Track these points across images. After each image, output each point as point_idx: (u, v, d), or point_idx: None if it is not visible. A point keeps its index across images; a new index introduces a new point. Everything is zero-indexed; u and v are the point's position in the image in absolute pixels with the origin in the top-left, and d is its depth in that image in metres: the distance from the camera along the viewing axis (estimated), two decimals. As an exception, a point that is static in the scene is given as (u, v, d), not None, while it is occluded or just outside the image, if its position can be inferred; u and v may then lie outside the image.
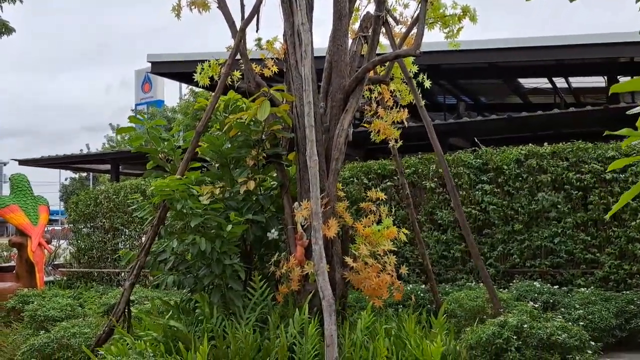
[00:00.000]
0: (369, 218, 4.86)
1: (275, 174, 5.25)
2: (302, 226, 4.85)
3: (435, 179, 8.37)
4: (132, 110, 38.70)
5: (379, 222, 4.93)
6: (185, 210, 4.37)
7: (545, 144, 7.99)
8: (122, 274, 11.13)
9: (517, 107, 14.39)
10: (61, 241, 15.00)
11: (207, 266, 4.49)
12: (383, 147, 7.15)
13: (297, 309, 4.36)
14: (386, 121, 5.46)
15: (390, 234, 4.76)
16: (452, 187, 5.01)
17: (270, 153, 5.03)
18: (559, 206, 7.60)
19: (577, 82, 13.74)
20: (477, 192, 8.07)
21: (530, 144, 8.13)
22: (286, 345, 4.06)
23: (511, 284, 7.53)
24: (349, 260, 4.64)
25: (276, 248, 5.24)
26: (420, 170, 8.48)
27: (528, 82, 14.09)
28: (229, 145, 5.14)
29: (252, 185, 4.86)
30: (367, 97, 5.58)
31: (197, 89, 32.27)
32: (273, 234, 4.87)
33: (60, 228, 16.27)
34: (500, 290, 7.09)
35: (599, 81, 13.69)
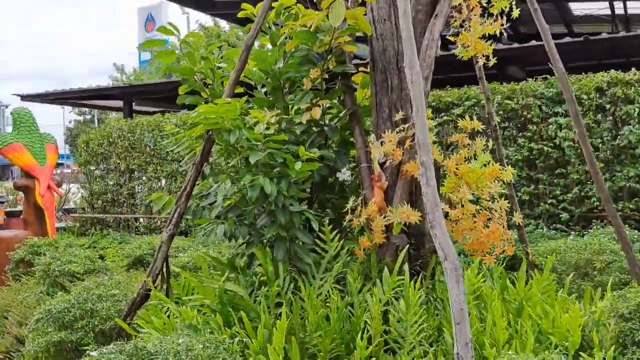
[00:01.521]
0: (460, 154, 3.84)
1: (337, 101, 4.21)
2: (381, 164, 3.87)
3: (501, 112, 7.30)
4: (137, 49, 37.18)
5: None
6: (240, 143, 3.37)
7: (633, 69, 6.86)
8: (141, 220, 10.28)
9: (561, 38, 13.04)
10: (71, 184, 14.13)
11: (269, 214, 3.53)
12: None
13: (385, 268, 3.42)
14: (476, 33, 4.35)
15: (492, 173, 3.76)
16: (577, 112, 3.97)
17: (338, 71, 3.97)
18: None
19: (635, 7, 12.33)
20: (550, 127, 7.04)
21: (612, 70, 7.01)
22: (380, 315, 3.14)
23: (589, 230, 6.60)
24: (444, 206, 3.66)
25: (341, 192, 4.26)
26: (482, 101, 7.40)
27: (580, 8, 12.71)
28: (283, 63, 4.09)
29: (317, 112, 3.84)
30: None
31: (206, 24, 30.72)
32: (345, 174, 3.88)
33: (70, 171, 15.38)
34: (580, 237, 6.17)
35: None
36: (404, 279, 3.33)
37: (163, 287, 3.91)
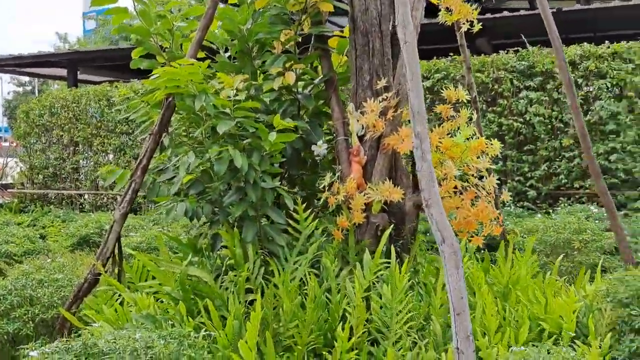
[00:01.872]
0: (443, 127, 3.57)
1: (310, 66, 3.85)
2: (359, 137, 3.55)
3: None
4: (83, 18, 35.38)
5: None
6: (205, 111, 2.98)
7: (607, 42, 6.75)
8: (87, 197, 9.68)
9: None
10: (8, 158, 13.25)
11: (237, 190, 3.17)
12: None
13: (365, 250, 3.14)
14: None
15: (478, 147, 3.50)
16: (569, 81, 3.75)
17: (315, 33, 3.60)
18: (619, 117, 6.49)
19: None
20: (521, 101, 6.87)
21: (584, 44, 6.88)
22: (362, 302, 2.86)
23: (556, 208, 6.51)
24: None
25: (313, 167, 3.94)
26: (452, 74, 7.17)
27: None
28: (251, 24, 3.69)
29: (291, 77, 3.47)
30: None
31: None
32: (321, 147, 3.54)
33: (7, 144, 14.43)
34: (547, 215, 6.06)
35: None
36: (387, 263, 3.05)
37: (115, 271, 3.51)
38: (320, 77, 3.68)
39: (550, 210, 6.54)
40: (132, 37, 4.08)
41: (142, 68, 3.90)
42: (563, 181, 6.79)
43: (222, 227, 3.37)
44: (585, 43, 6.83)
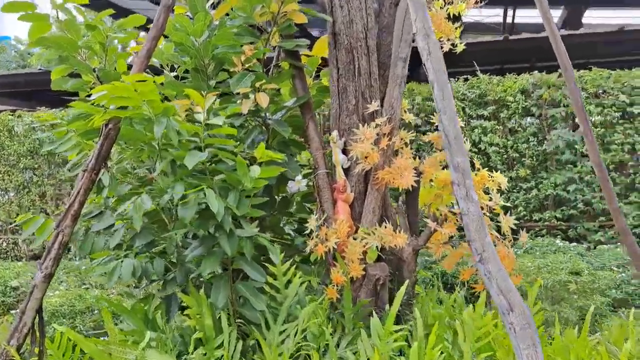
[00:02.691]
0: (435, 157, 3.11)
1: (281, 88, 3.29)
2: (345, 170, 3.02)
3: (422, 115, 6.77)
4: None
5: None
6: (159, 141, 2.32)
7: (559, 71, 6.67)
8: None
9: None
10: None
11: (205, 241, 2.52)
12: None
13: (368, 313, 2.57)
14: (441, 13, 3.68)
15: (481, 181, 3.07)
16: (581, 105, 3.41)
17: (288, 47, 3.04)
18: (575, 146, 6.38)
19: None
20: (475, 131, 6.62)
21: (535, 72, 6.78)
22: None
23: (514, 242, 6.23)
24: (431, 223, 2.89)
25: (284, 206, 3.35)
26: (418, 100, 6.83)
27: (471, 15, 12.83)
28: (208, 36, 3.09)
29: (264, 100, 2.88)
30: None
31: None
32: (300, 182, 2.96)
33: None
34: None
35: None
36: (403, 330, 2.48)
37: (35, 351, 2.71)
38: (293, 100, 3.12)
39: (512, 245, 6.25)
40: (42, 59, 3.35)
41: (68, 89, 3.19)
42: (522, 213, 6.56)
43: (178, 288, 2.70)
44: (536, 72, 6.73)
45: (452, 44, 3.63)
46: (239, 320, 2.50)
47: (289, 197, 3.33)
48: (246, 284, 2.60)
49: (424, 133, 6.84)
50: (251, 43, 3.17)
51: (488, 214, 2.90)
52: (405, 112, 3.09)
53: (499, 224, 2.96)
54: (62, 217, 2.68)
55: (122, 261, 2.58)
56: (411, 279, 2.95)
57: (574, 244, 6.01)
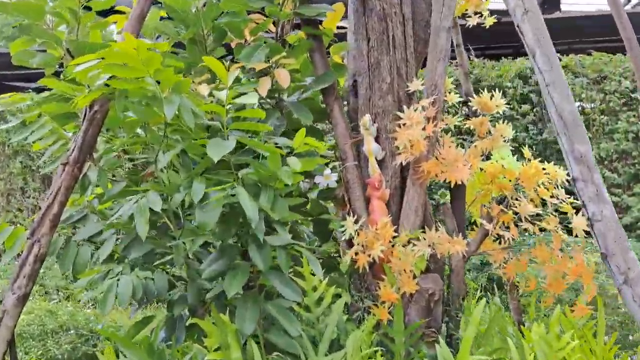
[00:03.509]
0: (477, 147, 2.69)
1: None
2: (379, 161, 2.57)
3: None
4: None
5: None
6: (185, 120, 1.81)
7: (558, 55, 6.39)
8: None
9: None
10: None
11: (225, 252, 2.03)
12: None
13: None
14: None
15: (536, 174, 2.68)
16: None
17: (309, 14, 2.56)
18: (577, 136, 6.09)
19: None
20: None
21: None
22: None
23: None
24: (486, 224, 2.48)
25: (298, 206, 2.86)
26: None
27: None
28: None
29: (284, 78, 2.40)
30: None
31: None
32: (330, 177, 2.49)
33: None
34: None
35: None
36: None
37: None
38: (315, 79, 2.64)
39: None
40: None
41: (34, 65, 2.64)
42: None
43: (185, 308, 2.20)
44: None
45: (480, 16, 3.25)
46: (276, 354, 2.01)
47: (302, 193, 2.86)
48: (275, 304, 2.12)
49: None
50: (261, 10, 2.68)
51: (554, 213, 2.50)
52: (449, 92, 2.66)
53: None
54: (38, 223, 2.13)
55: (118, 279, 2.06)
56: (461, 291, 2.53)
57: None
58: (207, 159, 1.89)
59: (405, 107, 2.47)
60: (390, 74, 2.57)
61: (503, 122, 2.82)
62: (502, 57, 6.50)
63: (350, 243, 2.44)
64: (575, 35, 7.80)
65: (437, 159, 2.46)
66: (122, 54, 1.74)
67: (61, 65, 2.68)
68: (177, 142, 2.04)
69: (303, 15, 2.55)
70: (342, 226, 2.44)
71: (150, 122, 1.96)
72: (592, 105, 6.00)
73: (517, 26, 1.71)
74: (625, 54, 6.25)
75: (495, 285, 4.04)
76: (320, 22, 2.78)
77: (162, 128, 2.05)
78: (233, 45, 2.87)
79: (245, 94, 1.93)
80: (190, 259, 2.19)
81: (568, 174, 2.70)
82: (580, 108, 6.28)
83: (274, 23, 2.70)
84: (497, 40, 8.32)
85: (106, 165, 2.22)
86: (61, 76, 2.44)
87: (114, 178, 2.33)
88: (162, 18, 2.80)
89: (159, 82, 1.87)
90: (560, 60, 6.04)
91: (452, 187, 2.69)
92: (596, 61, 6.16)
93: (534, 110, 6.22)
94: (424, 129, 2.42)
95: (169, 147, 2.01)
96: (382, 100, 2.57)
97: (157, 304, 3.37)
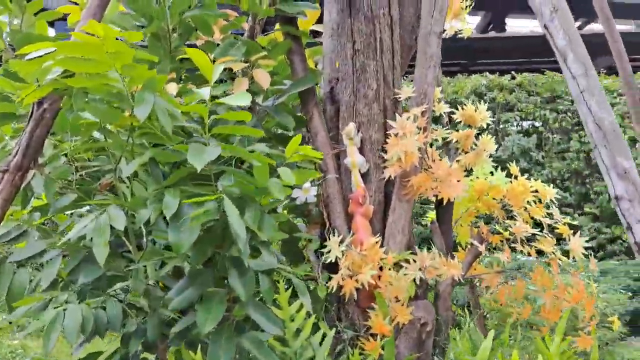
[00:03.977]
0: (461, 162, 2.53)
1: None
2: (363, 174, 2.35)
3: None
4: None
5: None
6: (161, 123, 1.52)
7: (513, 73, 6.42)
8: None
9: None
10: None
11: (195, 278, 1.74)
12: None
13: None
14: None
15: (525, 191, 2.53)
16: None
17: (290, 12, 2.31)
18: (531, 153, 6.12)
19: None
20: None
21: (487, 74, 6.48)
22: None
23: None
24: (480, 247, 2.30)
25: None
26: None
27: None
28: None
29: (264, 79, 2.15)
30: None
31: None
32: (308, 190, 2.24)
33: None
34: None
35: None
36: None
37: None
38: (294, 82, 2.39)
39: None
40: None
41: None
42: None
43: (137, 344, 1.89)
44: (486, 73, 6.43)
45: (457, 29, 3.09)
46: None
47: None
48: (251, 338, 1.83)
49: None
50: (233, 5, 2.42)
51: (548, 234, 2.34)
52: (438, 101, 2.48)
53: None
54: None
55: (64, 309, 1.73)
56: (449, 318, 2.32)
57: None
58: (183, 168, 1.61)
59: (396, 116, 2.26)
60: (376, 81, 2.36)
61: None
62: (458, 74, 6.47)
63: (329, 265, 2.20)
64: (524, 54, 7.92)
65: (426, 172, 2.26)
66: (83, 46, 1.44)
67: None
68: (143, 147, 1.74)
69: (284, 12, 2.30)
70: (323, 246, 2.20)
71: (114, 125, 1.65)
72: (540, 123, 6.04)
73: (545, 26, 1.54)
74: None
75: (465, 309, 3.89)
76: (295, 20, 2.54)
77: (125, 131, 1.75)
78: (198, 43, 2.60)
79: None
80: (152, 285, 1.88)
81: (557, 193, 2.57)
82: (531, 126, 6.31)
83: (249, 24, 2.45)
84: (449, 57, 8.35)
85: (54, 173, 1.89)
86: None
87: (60, 189, 1.99)
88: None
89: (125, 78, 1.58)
90: (514, 78, 6.08)
91: (438, 204, 2.50)
92: (549, 80, 6.21)
93: (489, 127, 6.19)
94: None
95: (134, 154, 1.71)
96: (368, 108, 2.35)
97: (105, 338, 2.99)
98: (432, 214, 2.66)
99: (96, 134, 1.90)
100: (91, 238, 1.63)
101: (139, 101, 1.49)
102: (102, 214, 1.60)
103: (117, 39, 1.50)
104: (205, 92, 1.57)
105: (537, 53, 7.79)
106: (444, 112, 2.50)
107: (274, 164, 1.67)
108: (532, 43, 7.70)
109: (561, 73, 5.33)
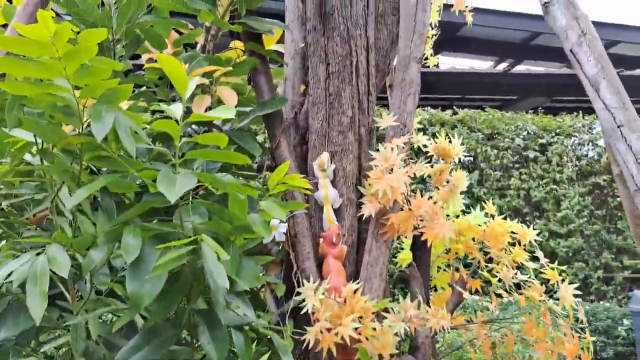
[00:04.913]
0: (435, 199, 2.36)
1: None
2: (335, 210, 2.13)
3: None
4: None
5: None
6: (124, 144, 1.24)
7: (455, 108, 6.45)
8: None
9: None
10: None
11: (154, 334, 1.44)
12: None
13: None
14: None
15: (503, 232, 2.39)
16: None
17: (259, 28, 2.08)
18: (473, 190, 6.11)
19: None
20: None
21: (428, 108, 6.47)
22: None
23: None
24: (462, 291, 2.12)
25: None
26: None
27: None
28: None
29: (230, 97, 1.90)
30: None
31: None
32: (276, 227, 1.99)
33: None
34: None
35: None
36: None
37: None
38: (260, 104, 2.14)
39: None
40: None
41: None
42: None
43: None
44: (428, 107, 6.43)
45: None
46: None
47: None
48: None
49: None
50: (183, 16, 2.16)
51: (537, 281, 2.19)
52: (416, 132, 2.31)
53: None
54: None
55: (-20, 376, 1.38)
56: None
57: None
58: (147, 201, 1.32)
59: (378, 145, 2.07)
60: (352, 107, 2.16)
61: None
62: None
63: (291, 314, 1.94)
64: (465, 90, 8.06)
65: (408, 210, 2.07)
66: (29, 42, 1.15)
67: None
68: (88, 173, 1.45)
69: (252, 29, 2.07)
70: (292, 292, 1.95)
71: (58, 145, 1.35)
72: (481, 160, 6.06)
73: (571, 51, 1.39)
74: (516, 112, 6.46)
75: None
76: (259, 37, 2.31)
77: (65, 153, 1.45)
78: (144, 58, 2.32)
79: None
80: (96, 342, 1.56)
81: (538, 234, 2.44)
82: (469, 162, 6.34)
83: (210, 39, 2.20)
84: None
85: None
86: None
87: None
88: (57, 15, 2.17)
89: (77, 88, 1.29)
90: (456, 114, 6.10)
91: (413, 245, 2.31)
92: (489, 117, 6.28)
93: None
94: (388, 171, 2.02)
95: (79, 182, 1.41)
96: (342, 137, 2.14)
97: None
98: (404, 255, 2.48)
99: (27, 156, 1.59)
100: (20, 284, 1.31)
101: (95, 117, 1.21)
102: (38, 254, 1.28)
103: (70, 40, 1.22)
104: (176, 108, 1.30)
105: (477, 90, 7.96)
106: (421, 144, 2.33)
107: (254, 196, 1.41)
108: (473, 80, 7.85)
109: (501, 110, 5.37)
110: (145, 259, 1.28)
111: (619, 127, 1.35)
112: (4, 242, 1.58)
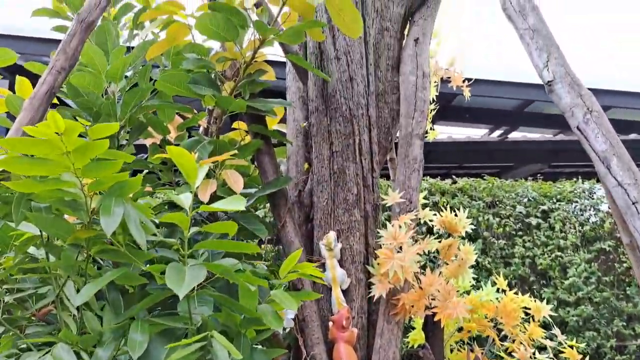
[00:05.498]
0: (444, 274, 2.33)
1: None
2: (343, 291, 2.08)
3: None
4: None
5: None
6: (135, 237, 1.22)
7: (454, 177, 6.48)
8: None
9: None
10: None
11: None
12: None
13: None
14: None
15: (517, 308, 2.34)
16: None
17: (262, 109, 2.12)
18: (478, 259, 6.05)
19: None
20: (371, 240, 6.01)
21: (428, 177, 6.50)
22: None
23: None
24: (479, 372, 2.05)
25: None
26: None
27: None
28: (125, 82, 2.09)
29: (236, 182, 1.90)
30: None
31: None
32: (285, 314, 1.95)
33: None
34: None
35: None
36: None
37: None
38: (264, 185, 2.15)
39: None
40: None
41: None
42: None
43: None
44: (427, 177, 6.45)
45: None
46: None
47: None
48: None
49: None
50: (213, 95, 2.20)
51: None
52: (422, 208, 2.30)
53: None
54: None
55: None
56: None
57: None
58: (154, 294, 1.29)
59: (387, 224, 2.05)
60: (357, 185, 2.16)
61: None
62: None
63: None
64: (459, 159, 8.14)
65: (419, 289, 2.03)
66: (38, 143, 1.15)
67: None
68: (93, 267, 1.42)
69: (256, 110, 2.10)
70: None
71: (67, 241, 1.33)
72: (484, 228, 6.04)
73: (577, 128, 1.40)
74: (515, 179, 6.50)
75: None
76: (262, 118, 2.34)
77: (71, 247, 1.42)
78: (148, 143, 2.34)
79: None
80: None
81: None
82: (472, 229, 6.31)
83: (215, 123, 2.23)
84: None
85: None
86: None
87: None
88: (58, 103, 2.21)
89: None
90: (455, 182, 6.12)
91: (427, 325, 2.26)
92: (489, 185, 6.30)
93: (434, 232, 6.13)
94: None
95: (86, 276, 1.38)
96: (348, 215, 2.13)
97: None
98: (415, 335, 2.41)
99: (31, 248, 1.57)
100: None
101: (105, 211, 1.20)
102: (45, 355, 1.24)
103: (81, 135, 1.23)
104: (186, 199, 1.29)
105: (474, 157, 8.03)
106: (429, 220, 2.32)
107: (265, 286, 1.39)
108: (470, 148, 7.94)
109: (499, 177, 5.40)
110: (152, 355, 1.23)
111: (633, 203, 1.34)
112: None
